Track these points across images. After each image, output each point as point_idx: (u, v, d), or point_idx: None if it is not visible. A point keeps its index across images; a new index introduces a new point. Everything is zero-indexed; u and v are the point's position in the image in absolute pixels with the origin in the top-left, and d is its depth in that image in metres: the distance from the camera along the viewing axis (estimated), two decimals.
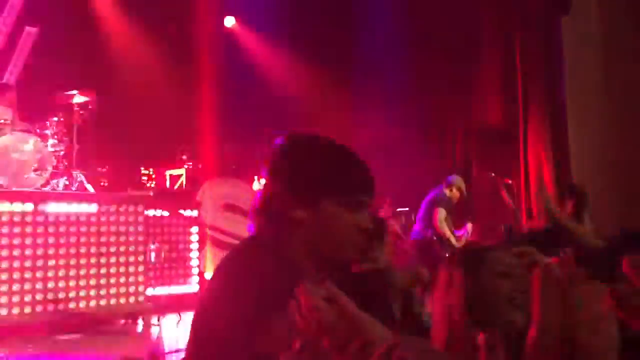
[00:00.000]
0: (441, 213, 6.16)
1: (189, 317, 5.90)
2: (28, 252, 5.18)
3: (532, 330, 0.40)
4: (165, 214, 6.61)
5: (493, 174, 6.92)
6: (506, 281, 1.53)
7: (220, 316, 1.25)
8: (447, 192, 6.40)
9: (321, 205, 1.35)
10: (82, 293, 5.45)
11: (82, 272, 5.47)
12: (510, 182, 6.84)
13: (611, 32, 6.74)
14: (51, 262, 5.30)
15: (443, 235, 6.13)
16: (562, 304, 0.43)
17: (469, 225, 6.50)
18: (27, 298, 5.12)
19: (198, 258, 6.87)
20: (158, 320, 5.77)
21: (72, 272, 5.40)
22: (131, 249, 5.82)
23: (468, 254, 1.65)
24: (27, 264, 5.16)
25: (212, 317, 1.28)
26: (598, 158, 6.67)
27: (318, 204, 1.35)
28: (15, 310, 5.05)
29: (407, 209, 7.36)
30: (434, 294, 1.67)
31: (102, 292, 5.58)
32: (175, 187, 7.98)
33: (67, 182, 6.07)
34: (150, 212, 6.28)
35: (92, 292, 5.52)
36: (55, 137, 6.10)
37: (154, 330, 5.61)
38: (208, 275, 7.03)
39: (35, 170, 5.81)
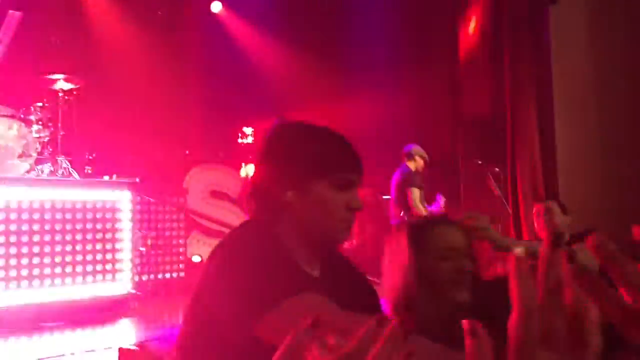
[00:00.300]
0: (414, 193, 6.06)
1: (175, 303, 5.91)
2: (12, 239, 5.13)
3: (514, 315, 0.40)
4: (152, 200, 6.58)
5: (480, 162, 6.95)
6: (447, 263, 1.65)
7: (222, 300, 1.25)
8: (411, 165, 6.28)
9: (311, 187, 1.39)
10: (67, 280, 5.42)
11: (68, 259, 5.44)
12: (497, 169, 6.87)
13: (598, 20, 6.76)
14: (36, 249, 5.26)
15: (420, 216, 6.05)
16: (539, 287, 0.43)
17: (442, 199, 6.38)
18: (12, 285, 5.08)
19: (184, 245, 6.85)
20: (145, 307, 5.76)
21: (57, 259, 5.37)
22: (117, 235, 5.78)
23: (413, 231, 1.70)
24: (12, 251, 5.11)
25: (213, 301, 1.27)
26: (585, 144, 6.72)
27: (309, 186, 1.38)
28: (0, 298, 5.01)
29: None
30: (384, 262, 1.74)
31: (88, 279, 5.55)
32: None
33: (52, 169, 6.01)
34: (137, 199, 6.24)
35: (78, 279, 5.48)
36: (40, 122, 6.02)
37: (141, 317, 5.60)
38: (195, 261, 7.02)
39: (19, 156, 5.75)
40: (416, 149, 6.37)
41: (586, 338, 0.42)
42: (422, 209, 6.06)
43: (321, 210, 1.39)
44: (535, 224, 3.83)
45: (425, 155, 6.38)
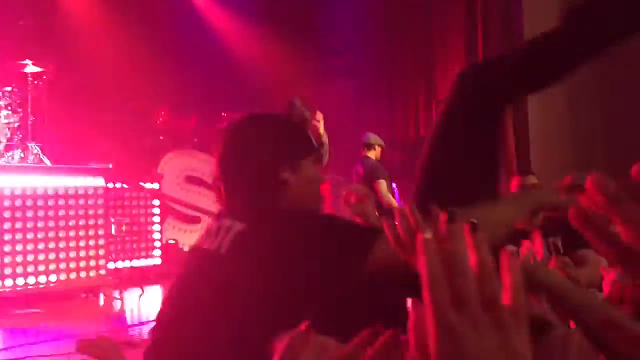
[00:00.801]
0: (382, 185, 5.89)
1: (151, 290, 5.88)
2: None
3: (423, 283, 0.44)
4: (126, 186, 6.51)
5: None
6: None
7: (314, 261, 1.31)
8: (372, 155, 6.16)
9: (301, 165, 1.51)
10: (41, 268, 5.35)
11: (41, 246, 5.36)
12: None
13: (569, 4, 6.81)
14: (7, 237, 5.17)
15: (391, 207, 5.96)
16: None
17: (395, 186, 6.31)
18: None
19: (159, 231, 6.80)
20: (120, 294, 5.71)
21: (29, 247, 5.29)
22: (91, 222, 5.72)
23: None
24: None
25: (297, 270, 1.31)
26: (556, 124, 6.81)
27: (299, 164, 1.51)
28: None
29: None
30: None
31: (62, 266, 5.48)
32: None
33: (22, 155, 5.91)
34: (110, 185, 6.17)
35: (52, 267, 5.42)
36: (9, 108, 5.91)
37: (116, 304, 5.56)
38: (170, 247, 6.97)
39: None
40: (374, 137, 6.25)
41: (495, 300, 0.44)
42: (392, 199, 5.94)
43: (311, 186, 1.53)
44: None
45: (383, 143, 6.29)
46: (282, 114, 1.77)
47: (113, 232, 6.10)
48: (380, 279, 1.30)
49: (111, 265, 5.99)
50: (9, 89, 5.92)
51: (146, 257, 6.65)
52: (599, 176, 0.46)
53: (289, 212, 1.46)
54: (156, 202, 6.78)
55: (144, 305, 5.48)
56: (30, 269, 5.27)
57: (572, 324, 1.18)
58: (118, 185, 6.39)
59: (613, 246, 0.46)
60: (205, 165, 7.87)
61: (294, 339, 0.64)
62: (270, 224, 1.40)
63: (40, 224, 5.38)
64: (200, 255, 1.47)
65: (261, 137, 1.52)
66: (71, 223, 5.58)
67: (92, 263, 5.68)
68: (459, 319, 0.43)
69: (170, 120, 8.32)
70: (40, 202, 5.40)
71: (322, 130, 5.25)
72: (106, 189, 5.91)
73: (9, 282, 5.13)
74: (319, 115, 5.30)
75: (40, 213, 5.39)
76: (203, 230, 1.54)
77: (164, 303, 1.53)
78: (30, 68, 6.07)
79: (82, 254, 5.63)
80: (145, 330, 4.14)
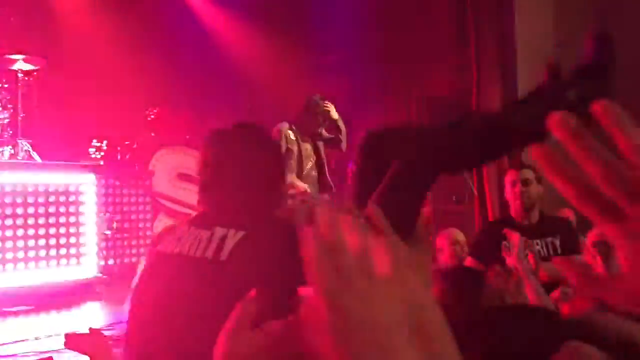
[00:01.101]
0: None
1: None
2: None
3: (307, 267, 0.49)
4: (117, 183, 6.49)
5: None
6: None
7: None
8: None
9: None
10: (31, 265, 5.33)
11: (31, 243, 5.35)
12: None
13: (563, 5, 6.84)
14: None
15: None
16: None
17: None
18: None
19: (151, 228, 6.80)
20: (110, 291, 5.71)
21: (19, 244, 5.28)
22: (82, 219, 5.71)
23: None
24: None
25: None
26: None
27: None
28: None
29: None
30: None
31: (53, 263, 5.47)
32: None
33: (12, 151, 5.89)
34: (101, 182, 6.16)
35: (42, 264, 5.40)
36: None
37: (106, 301, 5.56)
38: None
39: None
40: None
41: (373, 273, 0.48)
42: None
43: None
44: (507, 192, 3.63)
45: None
46: (267, 128, 1.82)
47: (104, 229, 6.09)
48: None
49: (102, 263, 5.98)
50: None
51: (138, 254, 6.64)
52: (602, 102, 0.46)
53: (289, 220, 1.50)
54: (147, 199, 6.77)
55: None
56: (20, 266, 5.25)
57: None
58: (109, 182, 6.38)
59: (575, 185, 0.47)
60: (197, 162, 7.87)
61: (244, 304, 0.69)
62: (275, 231, 1.43)
63: (30, 221, 5.36)
64: (186, 262, 1.44)
65: (263, 150, 1.57)
66: (62, 220, 5.56)
67: (83, 260, 5.67)
68: (344, 292, 0.46)
69: (162, 116, 8.30)
70: (30, 199, 5.38)
71: (336, 115, 5.22)
72: (97, 186, 5.90)
73: None
74: (328, 102, 5.30)
75: (31, 210, 5.37)
76: (179, 236, 1.51)
77: (143, 309, 1.51)
78: (21, 65, 6.05)
79: (73, 251, 5.62)
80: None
